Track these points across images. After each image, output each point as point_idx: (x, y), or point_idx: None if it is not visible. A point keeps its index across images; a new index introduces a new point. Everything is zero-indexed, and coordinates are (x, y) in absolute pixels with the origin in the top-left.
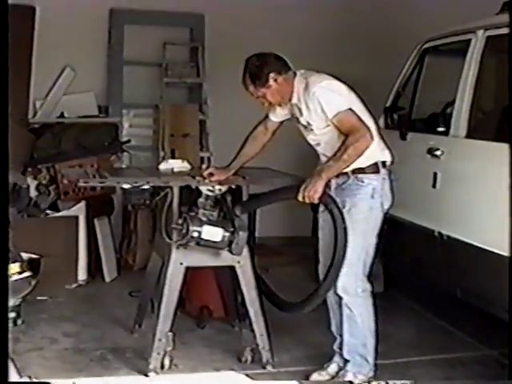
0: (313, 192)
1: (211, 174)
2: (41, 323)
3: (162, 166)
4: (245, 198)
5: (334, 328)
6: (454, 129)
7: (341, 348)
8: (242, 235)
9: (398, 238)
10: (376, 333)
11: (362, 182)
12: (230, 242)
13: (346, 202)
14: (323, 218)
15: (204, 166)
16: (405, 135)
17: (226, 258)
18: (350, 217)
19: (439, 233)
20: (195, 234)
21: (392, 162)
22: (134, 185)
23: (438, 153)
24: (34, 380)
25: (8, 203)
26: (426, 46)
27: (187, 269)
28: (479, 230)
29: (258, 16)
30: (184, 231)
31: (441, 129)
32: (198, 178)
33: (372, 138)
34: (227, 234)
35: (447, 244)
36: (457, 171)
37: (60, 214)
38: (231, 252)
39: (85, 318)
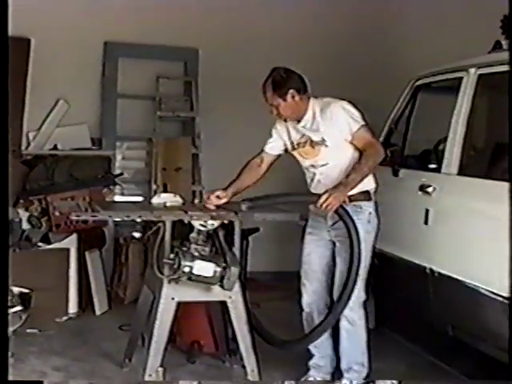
0: (334, 200)
1: (218, 197)
2: (30, 356)
3: (155, 200)
4: (237, 233)
5: (311, 346)
6: (445, 166)
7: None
8: (234, 270)
9: (389, 274)
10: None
11: (360, 208)
12: (222, 278)
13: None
14: (314, 240)
15: (196, 201)
16: (397, 171)
17: (217, 293)
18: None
19: (431, 269)
20: (187, 269)
21: (376, 189)
22: (126, 219)
23: (429, 189)
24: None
25: (8, 241)
26: (418, 82)
27: (178, 304)
28: (470, 268)
29: (252, 51)
30: (176, 266)
31: (433, 166)
32: (190, 212)
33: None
34: (219, 270)
35: (439, 281)
36: (448, 208)
37: (51, 246)
38: (223, 287)
39: (74, 352)
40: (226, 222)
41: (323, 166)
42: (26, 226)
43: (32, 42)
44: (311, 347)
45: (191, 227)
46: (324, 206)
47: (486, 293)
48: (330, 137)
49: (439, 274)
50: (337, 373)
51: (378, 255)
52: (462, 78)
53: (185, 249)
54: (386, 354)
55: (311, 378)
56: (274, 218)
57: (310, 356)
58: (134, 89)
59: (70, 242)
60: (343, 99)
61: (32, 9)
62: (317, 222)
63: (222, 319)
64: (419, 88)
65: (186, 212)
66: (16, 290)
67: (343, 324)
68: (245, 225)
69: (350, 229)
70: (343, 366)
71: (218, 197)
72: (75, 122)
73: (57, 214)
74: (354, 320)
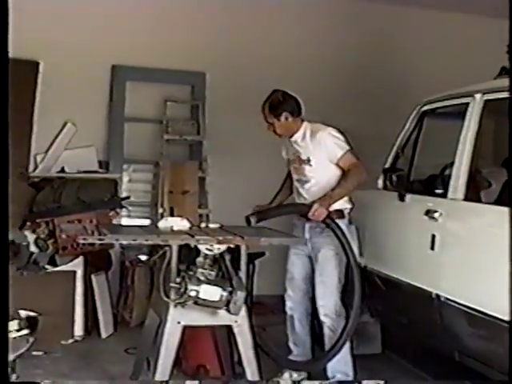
0: (321, 211)
1: None
2: (36, 379)
3: (162, 224)
4: (243, 257)
5: (291, 343)
6: (452, 191)
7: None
8: (240, 295)
9: (395, 299)
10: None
11: (329, 211)
12: (228, 302)
13: (320, 241)
14: (296, 253)
15: (203, 224)
16: (403, 196)
17: (223, 318)
18: (325, 252)
19: (437, 295)
20: (193, 293)
21: (351, 209)
22: (133, 243)
23: (436, 215)
24: None
25: (8, 263)
26: (424, 108)
27: (184, 327)
28: (476, 293)
29: (259, 75)
30: (182, 290)
31: (439, 191)
32: (196, 236)
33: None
34: (225, 294)
35: (445, 306)
36: (454, 233)
37: (58, 268)
38: (229, 311)
39: (80, 375)
40: (232, 246)
41: (306, 182)
42: (33, 248)
43: (40, 65)
44: (290, 344)
45: (198, 251)
46: (315, 215)
47: (493, 319)
48: (315, 157)
49: (445, 299)
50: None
51: (384, 280)
52: (468, 104)
53: (191, 273)
54: (392, 380)
55: (286, 374)
56: (280, 242)
57: (289, 352)
58: (141, 112)
59: (77, 265)
60: (332, 126)
61: (41, 32)
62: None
63: (228, 343)
64: (425, 113)
65: (193, 236)
66: (23, 313)
67: (324, 332)
68: (251, 249)
69: (336, 232)
70: (328, 373)
71: None
72: (83, 145)
73: (63, 236)
74: (333, 326)
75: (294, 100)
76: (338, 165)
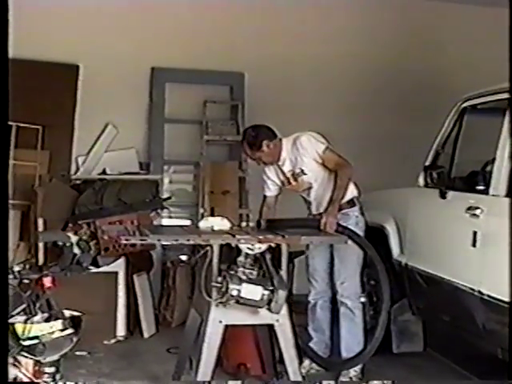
0: (331, 222)
1: None
2: (79, 379)
3: (202, 224)
4: (284, 256)
5: (311, 330)
6: (493, 187)
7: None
8: (281, 294)
9: (437, 297)
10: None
11: (347, 215)
12: (270, 301)
13: None
14: (315, 249)
15: (244, 224)
16: (444, 194)
17: (264, 316)
18: None
19: (479, 292)
20: (235, 293)
21: (359, 195)
22: (175, 243)
23: (477, 212)
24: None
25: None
26: (464, 104)
27: (226, 327)
28: None
29: (297, 74)
30: (223, 289)
31: (480, 187)
32: (237, 236)
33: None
34: (266, 293)
35: (487, 303)
36: (496, 230)
37: (100, 269)
38: (270, 310)
39: (123, 374)
40: (273, 245)
41: (310, 189)
42: (75, 249)
43: (80, 68)
44: (311, 330)
45: (239, 251)
46: (326, 227)
47: None
48: (305, 165)
49: (487, 296)
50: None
51: (425, 278)
52: (509, 99)
53: (232, 272)
54: (434, 378)
55: (307, 361)
56: (321, 241)
57: (309, 339)
58: (180, 113)
59: (119, 266)
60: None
61: (80, 36)
62: None
63: (269, 341)
64: (466, 110)
65: (234, 236)
66: (67, 313)
67: (343, 312)
68: (291, 248)
69: (352, 238)
70: (343, 353)
71: None
72: (123, 147)
73: (105, 237)
74: (353, 308)
75: (264, 127)
76: (323, 165)
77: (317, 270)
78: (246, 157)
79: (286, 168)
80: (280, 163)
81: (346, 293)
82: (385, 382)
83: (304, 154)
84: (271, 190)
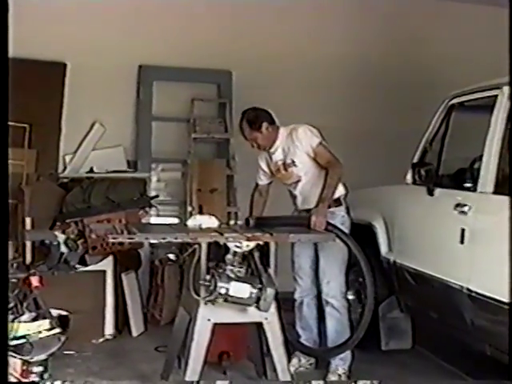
0: (320, 221)
1: None
2: (67, 378)
3: (190, 222)
4: (272, 254)
5: (299, 328)
6: (481, 184)
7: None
8: (270, 292)
9: (425, 294)
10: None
11: (334, 213)
12: (258, 299)
13: None
14: (300, 246)
15: (232, 222)
16: (432, 191)
17: (253, 315)
18: None
19: (468, 289)
20: (223, 291)
21: (346, 194)
22: (162, 241)
23: (465, 209)
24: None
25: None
26: (452, 101)
27: (215, 325)
28: (506, 286)
29: (285, 72)
30: (212, 287)
31: (468, 184)
32: (225, 234)
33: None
34: (255, 291)
35: (476, 300)
36: (484, 227)
37: (88, 268)
38: (259, 308)
39: (111, 373)
40: (261, 243)
41: (298, 182)
42: (62, 248)
43: (68, 67)
44: (298, 328)
45: (227, 249)
46: (316, 226)
47: None
48: (297, 157)
49: (476, 293)
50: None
51: (414, 275)
52: (496, 96)
53: (221, 270)
54: (423, 375)
55: (295, 359)
56: (309, 238)
57: (297, 337)
58: (168, 111)
59: (107, 264)
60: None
61: (67, 33)
62: None
63: (258, 339)
64: (453, 107)
65: (222, 234)
66: (55, 312)
67: (329, 311)
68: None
69: (340, 237)
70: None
71: None
72: (111, 145)
73: (93, 236)
74: (339, 307)
75: (264, 111)
76: (315, 160)
77: (302, 267)
78: (245, 138)
79: (278, 157)
80: (272, 150)
81: (331, 292)
82: (373, 381)
83: (298, 146)
84: (262, 179)
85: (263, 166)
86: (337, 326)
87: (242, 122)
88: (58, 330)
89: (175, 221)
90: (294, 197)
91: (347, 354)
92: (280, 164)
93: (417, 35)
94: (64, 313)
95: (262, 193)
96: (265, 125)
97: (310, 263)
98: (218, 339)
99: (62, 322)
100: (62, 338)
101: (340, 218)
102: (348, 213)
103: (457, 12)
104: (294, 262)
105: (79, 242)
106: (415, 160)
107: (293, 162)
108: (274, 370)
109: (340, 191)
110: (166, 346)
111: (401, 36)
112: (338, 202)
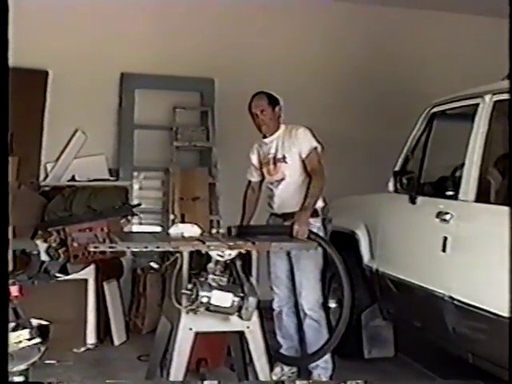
0: (303, 230)
1: None
2: None
3: (172, 231)
4: (254, 263)
5: (279, 338)
6: (463, 193)
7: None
8: (252, 300)
9: (408, 302)
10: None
11: (310, 224)
12: (240, 308)
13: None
14: (275, 255)
15: (214, 230)
16: (414, 199)
17: (235, 324)
18: (305, 251)
19: (450, 297)
20: (205, 300)
21: (324, 207)
22: (144, 250)
23: (447, 217)
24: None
25: (8, 264)
26: (434, 109)
27: (196, 334)
28: (490, 295)
29: (268, 79)
30: (193, 296)
31: (450, 193)
32: (207, 242)
33: None
34: (237, 300)
35: (458, 308)
36: (466, 235)
37: (69, 277)
38: (241, 317)
39: (93, 383)
40: (243, 251)
41: (282, 180)
42: (44, 257)
43: (50, 74)
44: (279, 338)
45: (209, 257)
46: (298, 234)
47: (505, 320)
48: (290, 154)
49: (458, 301)
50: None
51: (396, 283)
52: (477, 105)
53: (202, 279)
54: (405, 381)
55: (278, 368)
56: (291, 247)
57: (279, 347)
58: (150, 119)
59: (88, 273)
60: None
61: (49, 41)
62: None
63: (241, 348)
64: (435, 115)
65: (204, 242)
66: (35, 322)
67: (308, 323)
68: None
69: (322, 245)
70: (311, 364)
71: None
72: (93, 153)
73: (75, 244)
74: (317, 318)
75: None
76: (303, 162)
77: (278, 277)
78: (254, 108)
79: (271, 149)
80: (268, 140)
81: (309, 305)
82: (358, 381)
83: (294, 143)
84: (254, 176)
85: (254, 160)
86: (316, 337)
87: (258, 94)
88: (37, 340)
89: (157, 229)
90: (271, 198)
91: (328, 363)
92: (271, 157)
93: (399, 44)
94: (44, 322)
95: (255, 190)
96: (278, 107)
97: (286, 272)
98: (196, 346)
99: (42, 331)
100: (42, 348)
101: (316, 229)
102: (324, 225)
103: (440, 21)
104: (270, 272)
105: (61, 251)
106: (397, 168)
107: (284, 157)
108: (257, 378)
109: (319, 203)
110: (148, 355)
111: (384, 45)
112: (315, 213)
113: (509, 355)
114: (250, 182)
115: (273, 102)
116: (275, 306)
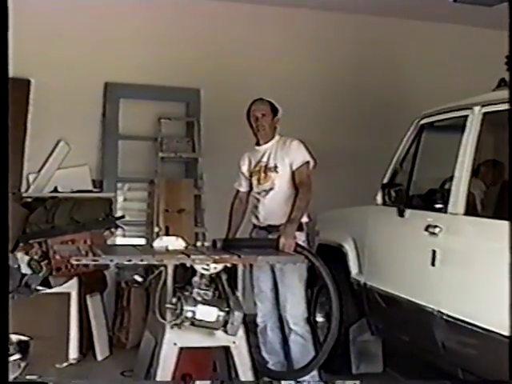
0: (289, 243)
1: None
2: None
3: (157, 244)
4: (240, 277)
5: (265, 354)
6: (452, 205)
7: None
8: (238, 315)
9: (396, 317)
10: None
11: (295, 237)
12: (225, 322)
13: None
14: (259, 267)
15: (199, 243)
16: (402, 212)
17: (221, 338)
18: (289, 265)
19: (439, 311)
20: (189, 314)
21: (308, 223)
22: (127, 263)
23: (436, 230)
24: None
25: (8, 274)
26: (422, 121)
27: (181, 349)
28: (479, 309)
29: (254, 90)
30: (178, 311)
31: (439, 205)
32: (192, 256)
33: None
34: (222, 314)
35: (447, 323)
36: (455, 249)
37: (52, 290)
38: (226, 332)
39: None
40: (228, 265)
41: (271, 190)
42: (26, 270)
43: (32, 83)
44: (264, 354)
45: (194, 271)
46: (285, 248)
47: (495, 335)
48: (282, 164)
49: (448, 316)
50: None
51: (384, 297)
52: (467, 117)
53: (187, 293)
54: None
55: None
56: (278, 260)
57: (265, 363)
58: (135, 130)
59: (71, 286)
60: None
61: (32, 50)
62: None
63: (226, 363)
64: (424, 127)
65: (189, 255)
66: (14, 338)
67: (293, 339)
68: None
69: (310, 258)
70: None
71: None
72: (76, 164)
73: (57, 257)
74: (303, 333)
75: None
76: (292, 176)
77: (262, 290)
78: (256, 111)
79: (263, 158)
80: (261, 148)
81: (294, 319)
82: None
83: (287, 153)
84: (242, 185)
85: (244, 169)
86: (302, 352)
87: (260, 101)
88: (17, 356)
89: (141, 242)
90: (256, 208)
91: (315, 378)
92: (262, 166)
93: (389, 54)
94: (24, 338)
95: (242, 200)
96: (277, 117)
97: (270, 286)
98: (181, 361)
99: (22, 347)
100: (22, 364)
101: (301, 242)
102: (308, 239)
103: (429, 32)
104: (253, 286)
105: (43, 264)
106: (385, 181)
107: (275, 166)
108: None
109: (304, 218)
110: (132, 371)
111: (373, 55)
112: (300, 227)
113: (509, 355)
114: (237, 191)
115: (274, 109)
116: (259, 321)
